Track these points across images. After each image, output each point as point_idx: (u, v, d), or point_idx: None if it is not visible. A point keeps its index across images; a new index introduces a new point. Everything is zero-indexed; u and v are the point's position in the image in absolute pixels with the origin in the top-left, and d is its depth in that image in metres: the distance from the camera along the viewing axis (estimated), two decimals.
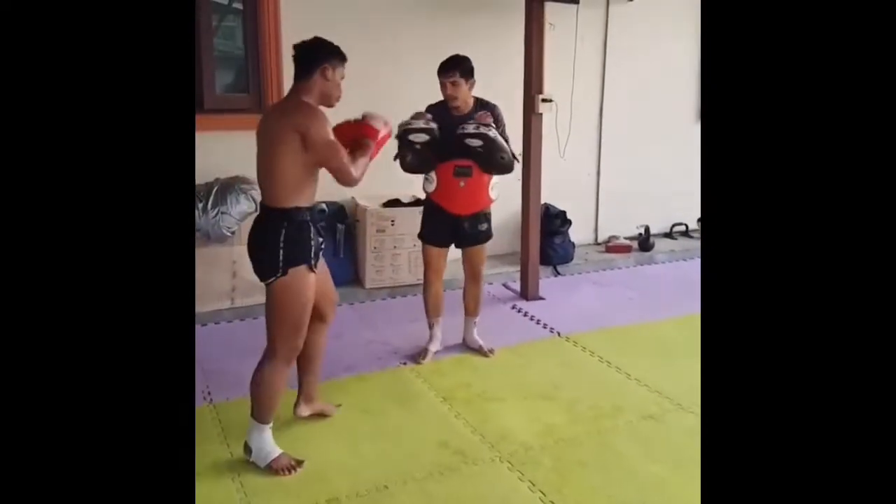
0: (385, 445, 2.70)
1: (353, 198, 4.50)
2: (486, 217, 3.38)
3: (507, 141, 3.22)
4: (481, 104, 3.28)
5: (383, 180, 4.38)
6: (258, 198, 3.96)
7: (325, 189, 4.30)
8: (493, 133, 3.11)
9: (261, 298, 4.12)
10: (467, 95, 3.23)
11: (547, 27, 4.13)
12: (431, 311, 3.50)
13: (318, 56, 2.44)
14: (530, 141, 4.24)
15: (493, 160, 3.17)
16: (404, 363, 3.44)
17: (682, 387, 3.13)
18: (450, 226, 3.34)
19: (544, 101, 4.17)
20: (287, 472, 2.48)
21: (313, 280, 2.46)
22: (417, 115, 3.18)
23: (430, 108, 3.27)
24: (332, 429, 2.82)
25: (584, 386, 3.21)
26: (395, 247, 4.37)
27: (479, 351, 3.54)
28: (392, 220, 4.33)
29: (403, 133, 3.15)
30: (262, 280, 2.47)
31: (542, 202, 4.57)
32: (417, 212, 4.46)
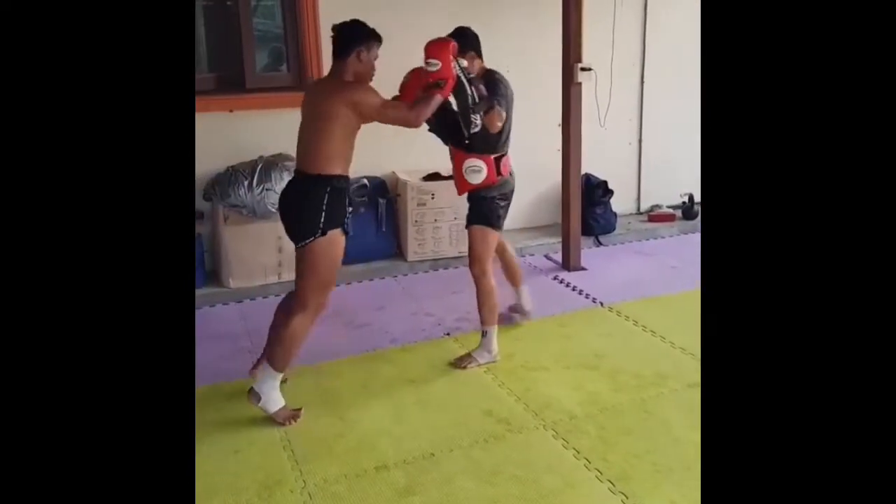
0: (431, 414, 2.76)
1: (393, 172, 4.54)
2: (478, 198, 3.08)
3: (487, 107, 2.82)
4: (489, 73, 3.04)
5: (422, 154, 4.42)
6: None
7: (367, 164, 4.41)
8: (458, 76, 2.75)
9: None
10: (469, 68, 2.92)
11: None
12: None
13: (353, 39, 2.61)
14: (570, 111, 4.20)
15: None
16: (447, 334, 3.49)
17: None
18: None
19: (583, 69, 4.12)
20: (289, 423, 2.67)
21: (343, 242, 2.67)
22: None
23: None
24: (379, 398, 2.89)
25: (627, 355, 3.21)
26: (435, 220, 4.40)
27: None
28: (432, 194, 4.36)
29: None
30: (298, 241, 2.64)
31: (583, 172, 4.53)
32: None
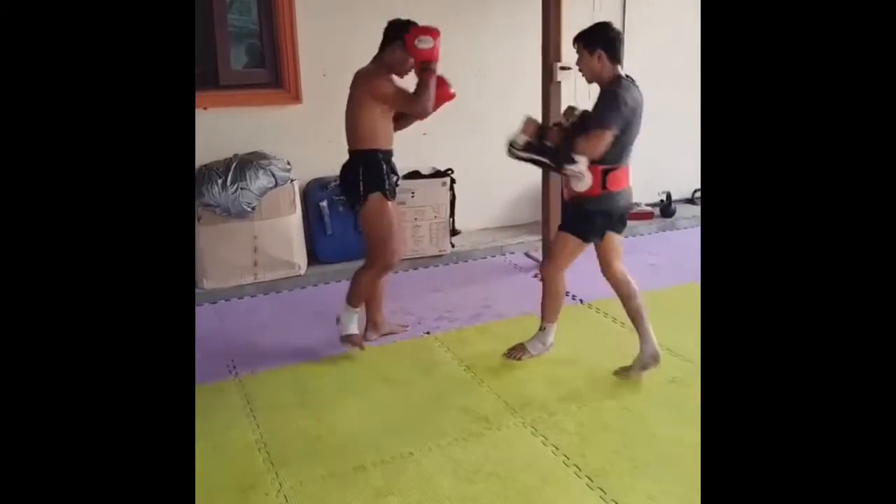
0: (409, 413, 2.73)
1: None
2: (578, 207, 2.93)
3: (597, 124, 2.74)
4: (614, 83, 2.86)
5: (402, 153, 4.39)
6: (277, 173, 4.01)
7: None
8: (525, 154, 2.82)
9: (282, 273, 4.20)
10: (596, 69, 2.86)
11: None
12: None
13: (388, 38, 2.94)
14: (549, 109, 4.18)
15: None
16: (428, 333, 3.47)
17: None
18: None
19: (563, 68, 4.11)
20: (355, 347, 3.18)
21: (389, 206, 3.02)
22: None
23: None
24: (357, 398, 2.86)
25: (606, 351, 3.21)
26: (415, 218, 4.38)
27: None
28: (412, 192, 4.33)
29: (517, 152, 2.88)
30: (352, 206, 3.07)
31: None
32: (438, 183, 4.47)
